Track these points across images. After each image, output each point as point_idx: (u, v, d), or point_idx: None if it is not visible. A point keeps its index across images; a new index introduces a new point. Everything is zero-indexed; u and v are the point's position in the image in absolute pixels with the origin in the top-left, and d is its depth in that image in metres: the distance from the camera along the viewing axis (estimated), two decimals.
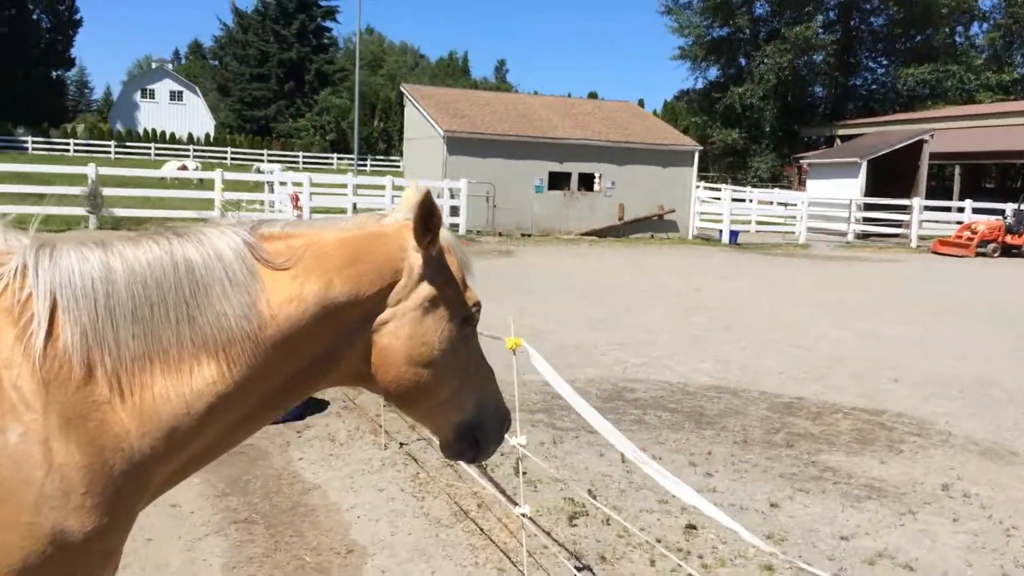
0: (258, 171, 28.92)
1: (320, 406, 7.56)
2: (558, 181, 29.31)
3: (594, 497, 5.76)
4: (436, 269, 2.25)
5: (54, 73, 73.19)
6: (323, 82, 75.38)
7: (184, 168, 34.55)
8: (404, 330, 2.19)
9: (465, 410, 2.36)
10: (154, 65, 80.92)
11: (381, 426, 7.00)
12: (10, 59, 63.30)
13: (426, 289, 2.21)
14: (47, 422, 1.80)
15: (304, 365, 2.15)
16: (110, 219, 21.78)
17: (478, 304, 2.37)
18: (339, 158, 64.53)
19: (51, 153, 54.85)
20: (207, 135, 70.18)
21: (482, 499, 5.49)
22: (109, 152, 58.99)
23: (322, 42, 77.78)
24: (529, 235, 27.83)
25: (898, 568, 4.99)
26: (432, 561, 4.77)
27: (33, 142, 58.39)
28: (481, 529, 5.20)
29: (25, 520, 1.78)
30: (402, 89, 33.21)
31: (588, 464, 6.49)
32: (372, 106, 70.63)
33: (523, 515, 4.38)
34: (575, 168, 29.45)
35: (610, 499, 5.79)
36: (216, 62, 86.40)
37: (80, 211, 21.07)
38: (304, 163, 61.77)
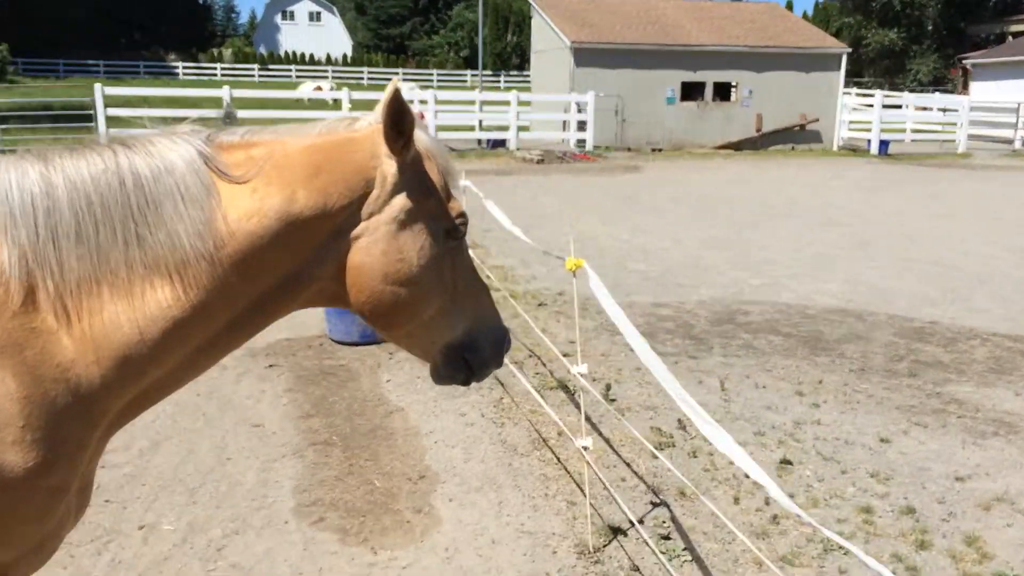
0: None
1: None
2: (691, 91, 28.07)
3: (683, 428, 5.45)
4: (413, 177, 2.02)
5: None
6: None
7: (319, 89, 35.10)
8: (379, 245, 1.99)
9: (454, 331, 2.15)
10: None
11: None
12: None
13: (401, 200, 2.00)
14: None
15: (270, 286, 1.97)
16: None
17: (463, 215, 2.13)
18: (472, 75, 64.20)
19: (199, 77, 57.00)
20: (344, 56, 71.15)
21: (563, 427, 5.27)
22: (253, 75, 60.78)
23: None
24: (660, 150, 26.90)
25: (1018, 515, 4.47)
26: (501, 491, 4.61)
27: (183, 67, 60.85)
28: (558, 459, 4.99)
29: None
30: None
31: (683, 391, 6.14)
32: (505, 20, 69.53)
33: (584, 448, 4.12)
34: (710, 77, 28.09)
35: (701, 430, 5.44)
36: None
37: None
38: (438, 80, 61.88)
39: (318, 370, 6.50)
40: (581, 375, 4.09)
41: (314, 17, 77.26)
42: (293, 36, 75.16)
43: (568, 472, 4.81)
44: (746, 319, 8.20)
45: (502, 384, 6.15)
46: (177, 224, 1.86)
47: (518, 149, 24.10)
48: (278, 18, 77.29)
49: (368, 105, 28.93)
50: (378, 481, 4.73)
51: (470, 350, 2.19)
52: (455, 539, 4.15)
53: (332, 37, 75.55)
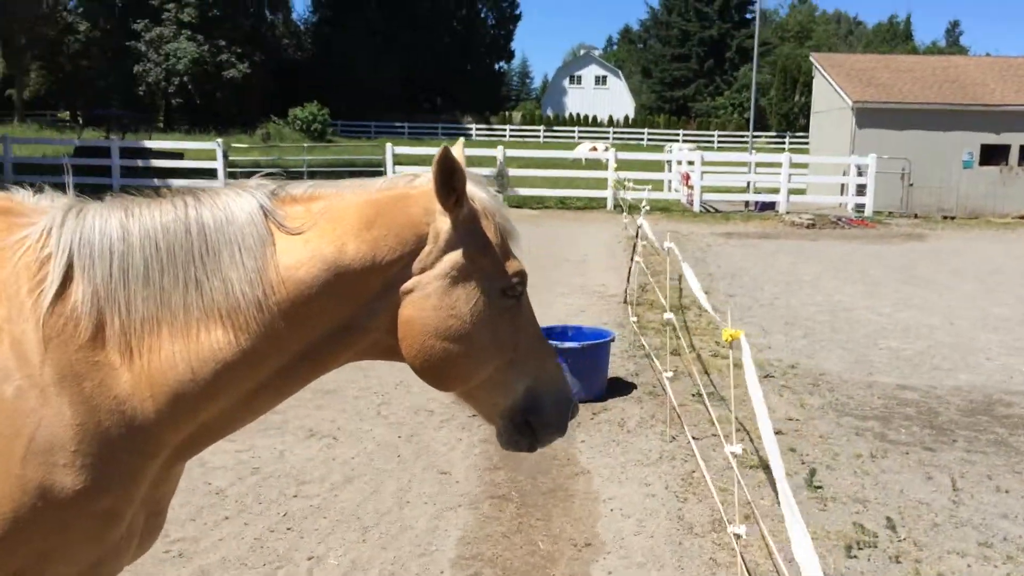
0: (669, 151, 29.08)
1: (626, 388, 7.34)
2: (992, 155, 25.53)
3: (892, 528, 4.83)
4: (467, 234, 2.04)
5: (497, 66, 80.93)
6: (744, 58, 73.88)
7: (594, 149, 36.05)
8: (430, 300, 2.01)
9: (514, 394, 2.12)
10: (582, 52, 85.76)
11: (679, 416, 6.59)
12: (461, 55, 71.37)
13: (454, 256, 2.02)
14: (42, 378, 1.83)
15: (321, 334, 2.02)
16: (516, 198, 23.49)
17: (520, 274, 2.11)
18: (754, 136, 62.88)
19: (489, 138, 60.77)
20: (626, 117, 72.66)
21: (754, 510, 4.88)
22: (538, 136, 63.80)
23: (744, 17, 76.19)
24: (952, 217, 24.61)
25: None
26: (663, 571, 4.34)
27: (476, 129, 65.19)
28: (736, 544, 4.62)
29: (15, 472, 1.82)
30: (811, 59, 31.22)
31: (905, 486, 5.47)
32: (794, 80, 67.62)
33: (736, 535, 3.77)
34: (1016, 139, 25.39)
35: (914, 532, 4.81)
36: (641, 45, 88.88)
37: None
38: (719, 141, 61.25)
39: None
40: (733, 455, 3.76)
41: (600, 81, 79.78)
42: (579, 99, 78.00)
43: (745, 561, 4.43)
44: (1006, 411, 7.18)
45: (698, 456, 5.83)
46: (231, 271, 1.96)
47: (787, 212, 23.13)
48: (566, 82, 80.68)
49: (637, 165, 29.30)
50: (542, 543, 4.63)
51: (532, 412, 2.15)
52: None
53: (615, 99, 77.49)
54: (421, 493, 5.22)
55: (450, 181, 1.99)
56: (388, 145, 23.70)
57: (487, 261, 2.06)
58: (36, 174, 23.68)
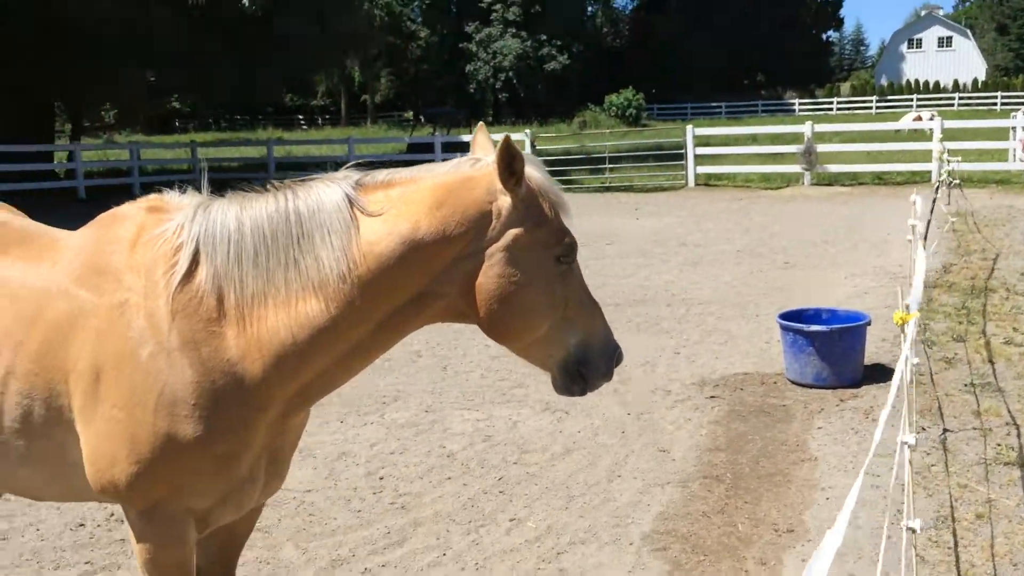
0: (1013, 116, 25.87)
1: (887, 375, 6.83)
2: None
3: None
4: (525, 211, 2.33)
5: (824, 35, 76.37)
6: None
7: (919, 119, 32.84)
8: (495, 269, 2.30)
9: (567, 346, 2.40)
10: (924, 13, 78.19)
11: (940, 407, 6.04)
12: (784, 27, 68.25)
13: (516, 230, 2.31)
14: (169, 344, 2.29)
15: (402, 301, 2.34)
16: (826, 175, 22.23)
17: (571, 243, 2.39)
18: None
19: (814, 112, 57.62)
20: (975, 81, 65.15)
21: (991, 508, 4.41)
22: (870, 107, 59.40)
23: None
24: None
25: None
26: (859, 563, 4.08)
27: (799, 104, 62.16)
28: (955, 545, 4.21)
29: (150, 420, 2.30)
30: None
31: None
32: None
33: (911, 529, 3.45)
34: None
35: None
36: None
37: (795, 168, 22.07)
38: None
39: (756, 407, 6.38)
40: (908, 445, 3.46)
41: (943, 43, 72.30)
42: (919, 64, 71.44)
43: (958, 563, 4.04)
44: None
45: (946, 450, 5.34)
46: (321, 251, 2.32)
47: None
48: (904, 47, 74.20)
49: (977, 134, 26.31)
50: (742, 525, 4.55)
51: (584, 363, 2.43)
52: None
53: (962, 62, 69.86)
54: (634, 468, 5.33)
55: (512, 165, 2.28)
56: (688, 127, 23.47)
57: (543, 233, 2.34)
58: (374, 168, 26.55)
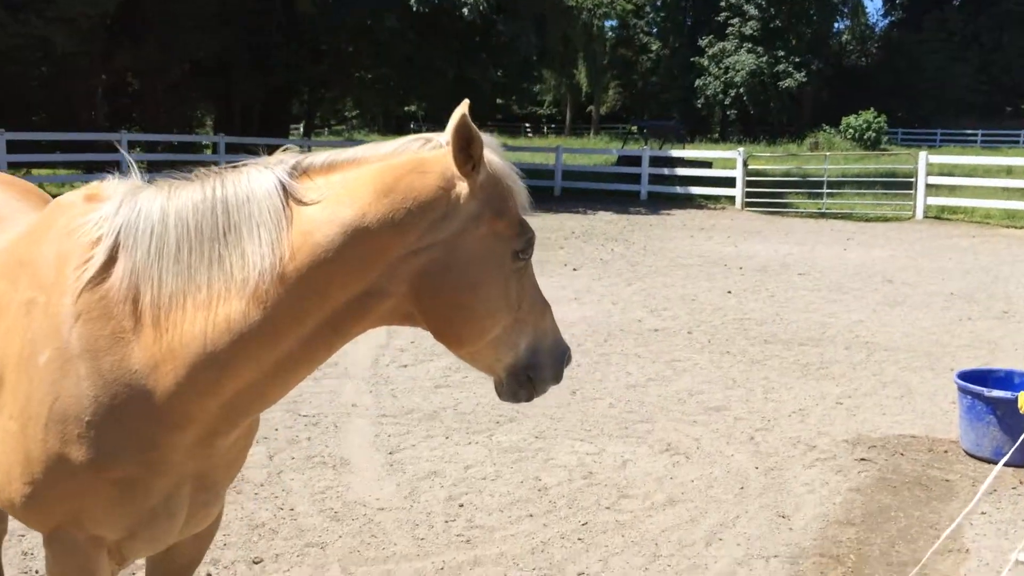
0: None
1: None
2: None
3: None
4: (484, 199, 2.09)
5: None
6: None
7: None
8: (450, 265, 2.06)
9: (518, 349, 2.20)
10: None
11: None
12: None
13: (471, 220, 2.07)
14: (67, 351, 2.03)
15: (344, 300, 2.05)
16: None
17: (530, 237, 2.19)
18: None
19: None
20: None
21: None
22: None
23: None
24: None
25: None
26: None
27: None
28: None
29: (40, 436, 2.05)
30: None
31: None
32: None
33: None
34: None
35: None
36: None
37: None
38: None
39: (912, 478, 5.45)
40: None
41: None
42: None
43: None
44: None
45: None
46: (248, 244, 2.02)
47: None
48: None
49: None
50: None
51: (533, 368, 2.23)
52: None
53: None
54: (741, 533, 4.66)
55: (468, 148, 2.04)
56: (922, 154, 21.40)
57: (502, 225, 2.11)
58: (580, 180, 26.42)
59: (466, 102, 2.24)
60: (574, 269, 13.33)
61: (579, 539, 4.55)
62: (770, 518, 4.85)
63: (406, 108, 55.16)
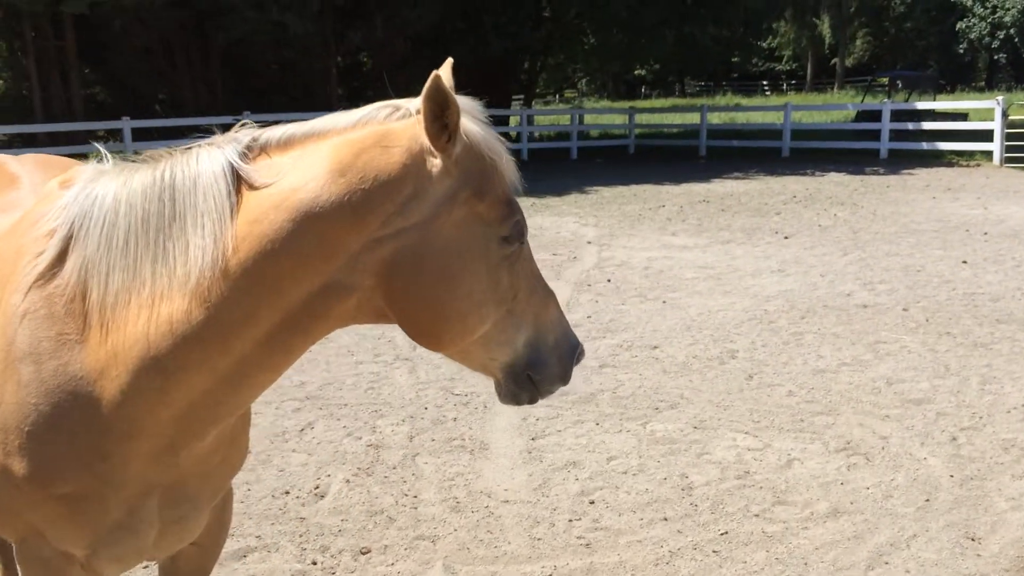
0: None
1: None
2: None
3: None
4: (462, 177, 1.80)
5: None
6: None
7: None
8: (421, 252, 1.78)
9: (515, 346, 1.92)
10: None
11: None
12: None
13: (447, 202, 1.79)
14: (11, 353, 1.87)
15: (299, 297, 1.80)
16: None
17: (518, 220, 1.87)
18: None
19: None
20: None
21: None
22: None
23: None
24: None
25: None
26: None
27: None
28: None
29: None
30: None
31: None
32: None
33: None
34: None
35: None
36: None
37: None
38: None
39: None
40: None
41: None
42: None
43: None
44: None
45: None
46: (192, 236, 1.80)
47: None
48: None
49: None
50: None
51: (535, 367, 1.95)
52: None
53: None
54: (914, 556, 3.91)
55: (442, 116, 1.74)
56: None
57: (484, 206, 1.82)
58: (812, 139, 24.63)
59: (449, 61, 1.96)
60: (785, 237, 12.30)
61: (714, 551, 4.02)
62: (955, 540, 4.05)
63: (636, 72, 54.36)
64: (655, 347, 7.13)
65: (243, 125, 1.95)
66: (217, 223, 1.77)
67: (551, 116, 33.41)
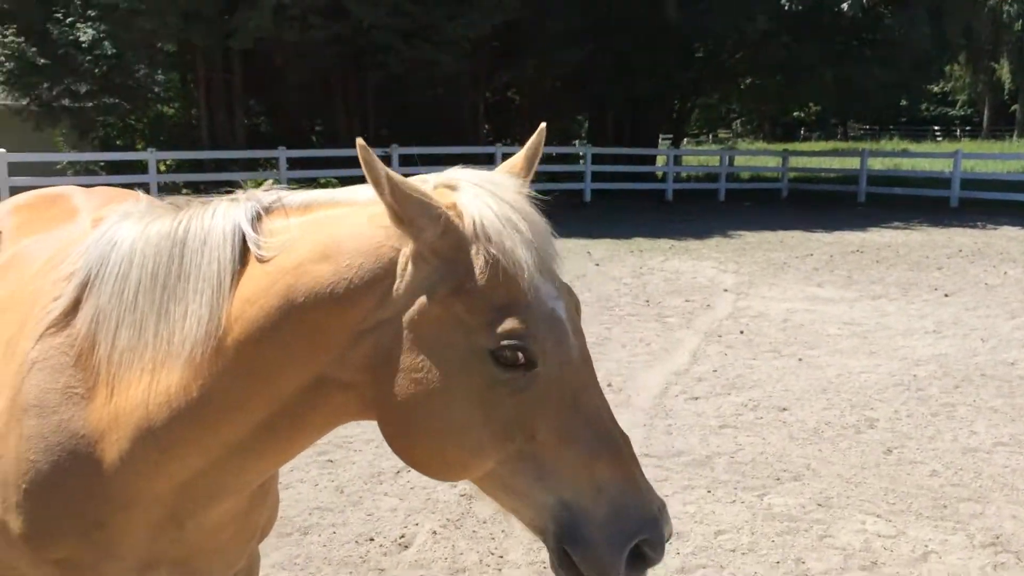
0: None
1: None
2: None
3: None
4: (442, 267, 1.52)
5: None
6: None
7: None
8: (397, 353, 1.54)
9: (539, 507, 1.53)
10: None
11: None
12: None
13: (420, 294, 1.53)
14: (16, 404, 1.78)
15: (291, 389, 1.62)
16: None
17: (515, 333, 1.47)
18: None
19: None
20: None
21: None
22: None
23: None
24: None
25: None
26: None
27: None
28: None
29: None
30: None
31: None
32: None
33: None
34: None
35: None
36: None
37: None
38: None
39: None
40: None
41: None
42: None
43: None
44: None
45: None
46: (191, 301, 1.67)
47: None
48: None
49: None
50: None
51: (572, 542, 1.50)
52: None
53: None
54: None
55: (392, 193, 1.51)
56: None
57: (461, 307, 1.50)
58: (985, 190, 22.95)
59: (543, 126, 1.81)
60: (945, 295, 11.33)
61: None
62: None
63: (794, 113, 52.74)
64: (784, 409, 6.59)
65: (272, 182, 1.80)
66: (216, 294, 1.63)
67: (700, 156, 32.66)
